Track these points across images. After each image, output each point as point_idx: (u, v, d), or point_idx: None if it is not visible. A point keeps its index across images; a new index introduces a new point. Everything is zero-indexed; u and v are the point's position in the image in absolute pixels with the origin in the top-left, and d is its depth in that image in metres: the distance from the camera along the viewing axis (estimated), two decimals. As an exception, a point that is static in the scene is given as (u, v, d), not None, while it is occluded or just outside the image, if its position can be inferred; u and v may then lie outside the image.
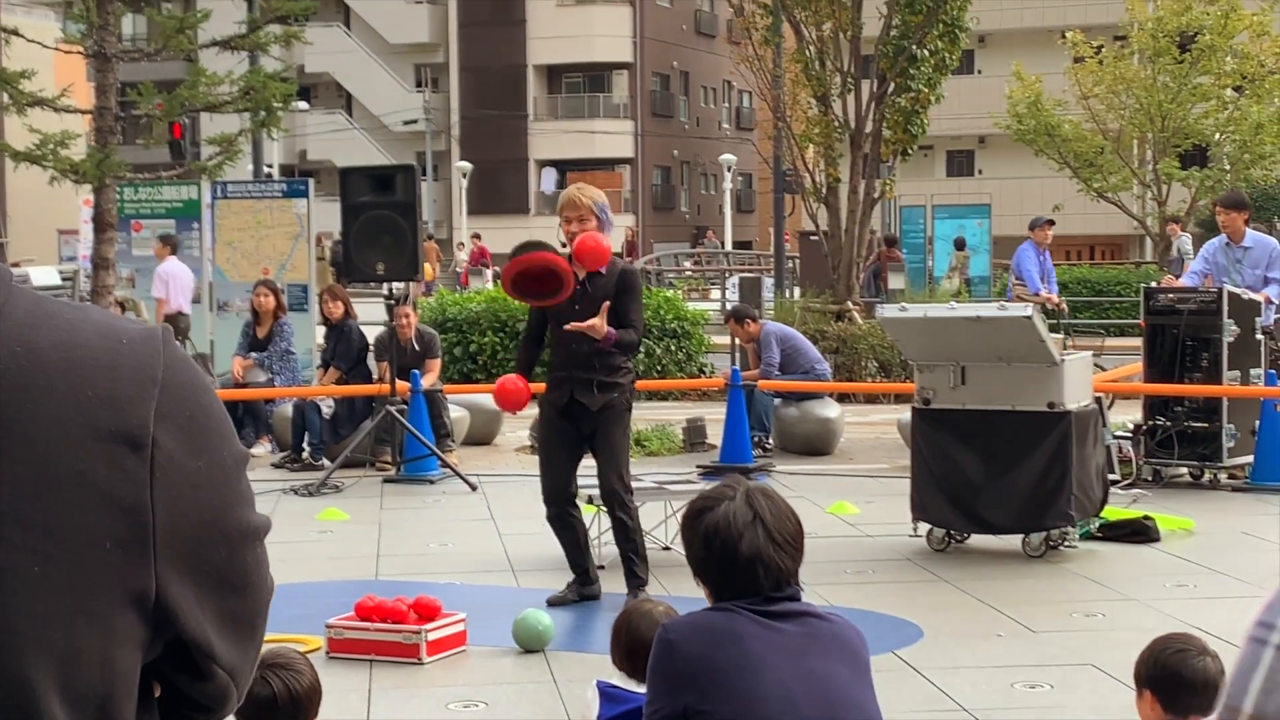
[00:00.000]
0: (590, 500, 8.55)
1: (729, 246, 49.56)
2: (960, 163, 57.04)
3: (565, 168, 58.34)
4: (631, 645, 4.31)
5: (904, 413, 12.68)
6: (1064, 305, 17.44)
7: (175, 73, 29.90)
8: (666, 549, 9.35)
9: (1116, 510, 9.97)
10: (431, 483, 12.41)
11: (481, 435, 14.62)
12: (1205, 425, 11.56)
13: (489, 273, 38.49)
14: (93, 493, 1.34)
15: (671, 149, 64.24)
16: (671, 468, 12.06)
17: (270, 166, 39.37)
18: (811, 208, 20.81)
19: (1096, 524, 9.58)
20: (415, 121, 59.29)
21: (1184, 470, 11.81)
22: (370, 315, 16.72)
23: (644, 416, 14.46)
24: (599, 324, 7.74)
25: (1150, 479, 11.65)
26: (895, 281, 26.63)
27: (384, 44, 63.24)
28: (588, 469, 8.10)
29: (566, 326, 7.80)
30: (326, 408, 13.48)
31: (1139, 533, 9.68)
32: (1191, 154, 35.09)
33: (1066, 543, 9.21)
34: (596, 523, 8.69)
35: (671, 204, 65.06)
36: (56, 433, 1.34)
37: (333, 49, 60.48)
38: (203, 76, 17.04)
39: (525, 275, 7.90)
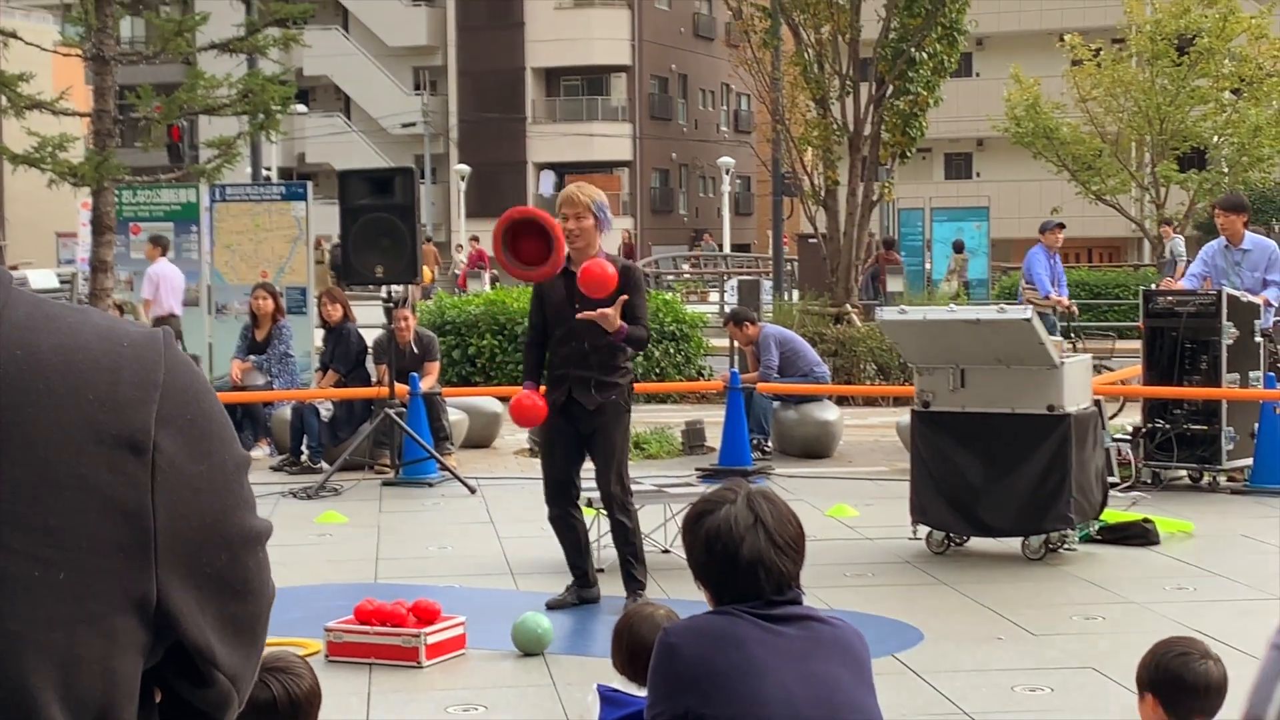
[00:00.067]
0: (589, 503, 8.54)
1: (727, 249, 49.55)
2: (958, 165, 57.04)
3: (564, 171, 58.29)
4: (633, 649, 4.30)
5: (903, 415, 12.67)
6: (1075, 308, 17.40)
7: (174, 76, 29.90)
8: (666, 552, 9.34)
9: (1116, 513, 9.97)
10: (430, 486, 12.40)
11: (480, 438, 14.61)
12: (1204, 428, 11.55)
13: (487, 275, 38.48)
14: (94, 497, 1.34)
15: (670, 152, 64.25)
16: (670, 470, 12.05)
17: (268, 169, 39.35)
18: (810, 210, 20.81)
19: (1096, 527, 9.58)
20: (413, 124, 59.29)
21: (1183, 473, 11.80)
22: (369, 318, 16.71)
23: (643, 419, 14.46)
24: (613, 315, 7.73)
25: (1149, 482, 11.65)
26: (894, 284, 26.63)
27: (382, 47, 63.25)
28: (588, 471, 8.09)
29: (580, 315, 7.77)
30: (325, 411, 13.47)
31: (1138, 535, 9.67)
32: (1190, 156, 35.08)
33: (1066, 545, 9.21)
34: (596, 526, 8.68)
35: (670, 207, 65.06)
36: (57, 436, 1.33)
37: (331, 52, 60.49)
38: (201, 79, 17.03)
39: (518, 226, 7.95)
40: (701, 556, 3.39)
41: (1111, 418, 13.77)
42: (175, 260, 17.68)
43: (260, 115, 17.06)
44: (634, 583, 8.00)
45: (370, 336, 14.15)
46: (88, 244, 19.74)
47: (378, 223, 12.50)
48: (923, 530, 9.53)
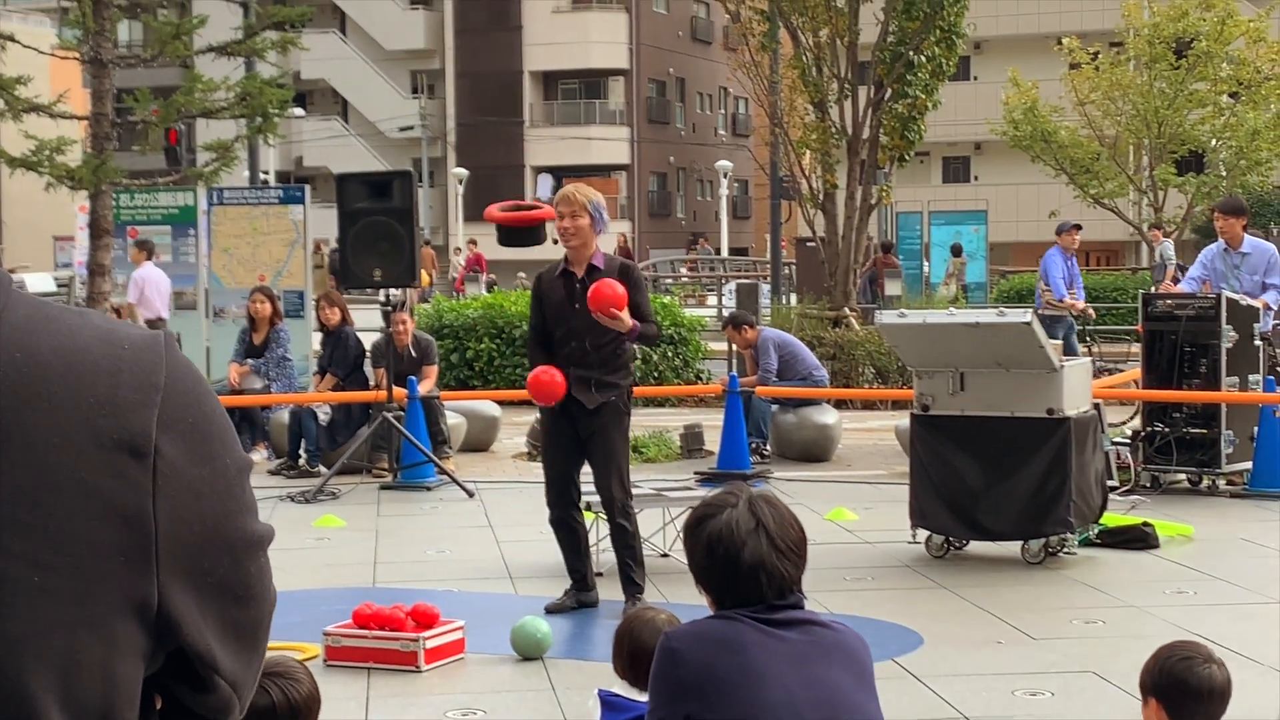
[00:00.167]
0: (589, 507, 8.53)
1: (725, 253, 49.56)
2: (956, 169, 57.06)
3: (561, 174, 58.27)
4: (634, 653, 4.29)
5: (901, 419, 12.66)
6: (1090, 311, 17.37)
7: (171, 79, 29.87)
8: (665, 556, 9.33)
9: (1115, 517, 9.96)
10: (428, 489, 12.39)
11: (478, 442, 14.60)
12: (1204, 431, 11.54)
13: (484, 279, 38.48)
14: (94, 501, 1.32)
15: (668, 155, 64.26)
16: (669, 474, 12.03)
17: (266, 173, 39.35)
18: (808, 214, 20.81)
19: (1096, 530, 9.57)
20: (411, 128, 59.28)
21: (1182, 476, 11.80)
22: (367, 322, 16.70)
23: (641, 423, 14.44)
24: (626, 318, 7.75)
25: (1149, 485, 11.64)
26: (892, 288, 26.64)
27: (380, 50, 63.26)
28: (588, 473, 8.08)
29: (596, 316, 7.75)
30: (323, 414, 13.46)
31: (1138, 539, 9.66)
32: (1187, 160, 35.12)
33: (1066, 549, 9.20)
34: (595, 530, 8.67)
35: (668, 210, 65.07)
36: (57, 440, 1.32)
37: (329, 55, 60.51)
38: (199, 82, 17.01)
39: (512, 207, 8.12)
40: (703, 561, 3.38)
41: (1125, 422, 13.76)
42: (173, 263, 17.67)
43: (258, 118, 17.06)
44: (632, 585, 7.99)
45: (368, 340, 14.13)
46: (85, 248, 19.72)
47: (376, 226, 12.48)
48: (922, 534, 9.52)
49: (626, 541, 8.01)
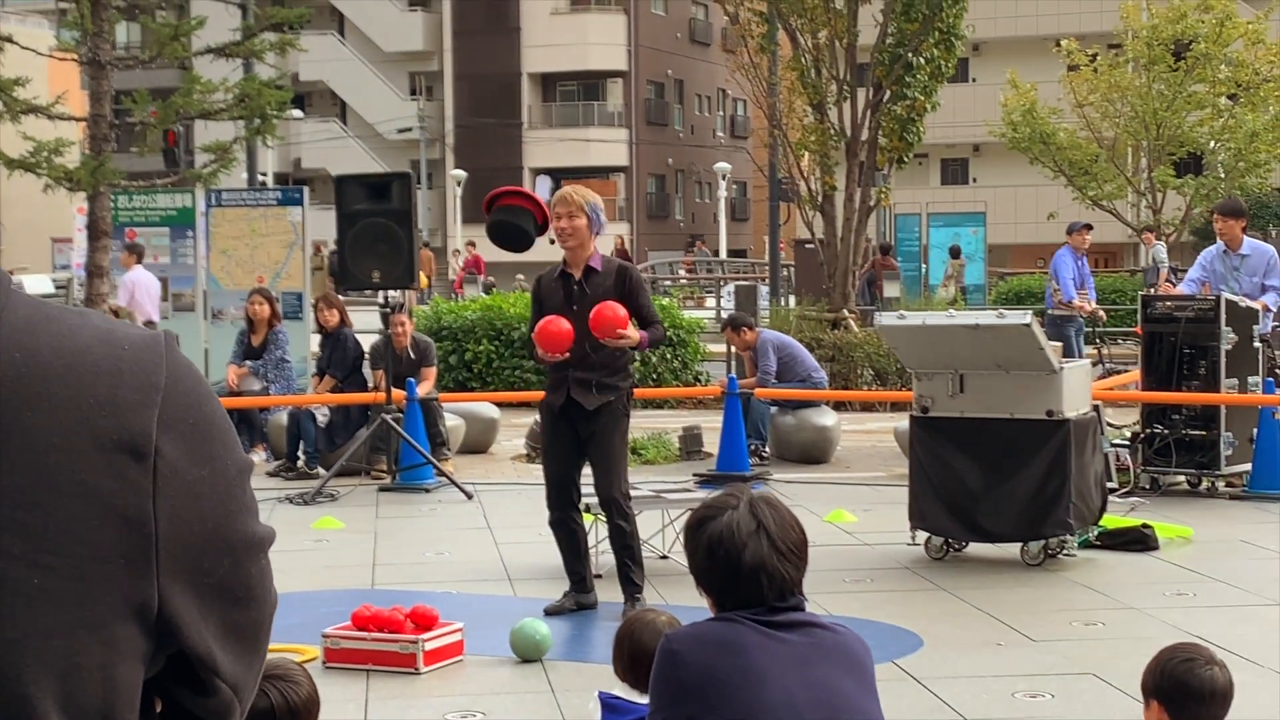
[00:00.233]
0: (588, 509, 8.52)
1: (723, 255, 49.56)
2: (955, 171, 57.07)
3: (560, 176, 58.23)
4: (634, 655, 4.28)
5: (900, 421, 12.66)
6: (1101, 312, 17.34)
7: (170, 80, 29.86)
8: (664, 558, 9.32)
9: (1115, 518, 9.95)
10: (427, 491, 12.38)
11: (477, 444, 14.59)
12: (1203, 433, 11.54)
13: (481, 281, 38.46)
14: (94, 502, 1.31)
15: (666, 157, 64.27)
16: (668, 476, 12.02)
17: (264, 175, 39.33)
18: (807, 216, 20.80)
19: (1095, 532, 9.56)
20: (409, 130, 59.29)
21: (1182, 478, 11.80)
22: (366, 323, 16.69)
23: (640, 425, 14.43)
24: (633, 333, 7.77)
25: (1148, 487, 11.63)
26: (890, 289, 26.64)
27: (378, 52, 63.26)
28: (588, 474, 8.07)
29: (605, 342, 7.78)
30: (322, 416, 13.45)
31: (1138, 541, 9.66)
32: (1186, 162, 35.12)
33: (1065, 551, 9.19)
34: (594, 531, 8.66)
35: (666, 212, 65.08)
36: (57, 441, 1.31)
37: (327, 57, 60.51)
38: (197, 84, 17.00)
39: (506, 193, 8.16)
40: (703, 562, 3.37)
41: (1130, 426, 13.76)
42: (171, 265, 17.66)
43: (256, 120, 17.05)
44: (631, 586, 7.98)
45: (367, 342, 14.13)
46: (83, 249, 19.71)
47: (374, 228, 12.47)
48: (921, 536, 9.52)
49: (625, 543, 8.01)
